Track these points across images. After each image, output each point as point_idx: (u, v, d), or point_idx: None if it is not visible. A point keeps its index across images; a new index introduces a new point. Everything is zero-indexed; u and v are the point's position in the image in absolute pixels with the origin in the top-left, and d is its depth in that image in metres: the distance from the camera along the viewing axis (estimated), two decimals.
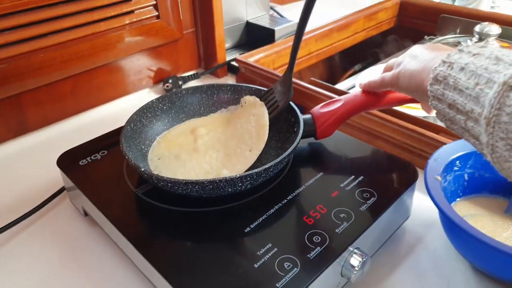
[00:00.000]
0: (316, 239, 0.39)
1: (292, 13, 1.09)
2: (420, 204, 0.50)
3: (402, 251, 0.47)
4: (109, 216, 0.44)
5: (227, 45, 0.94)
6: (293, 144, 0.45)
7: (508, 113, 0.28)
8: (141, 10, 0.73)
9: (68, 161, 0.52)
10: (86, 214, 0.51)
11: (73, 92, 0.71)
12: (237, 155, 0.49)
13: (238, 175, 0.41)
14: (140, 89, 0.81)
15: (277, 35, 0.92)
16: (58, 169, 0.51)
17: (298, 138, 0.46)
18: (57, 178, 0.54)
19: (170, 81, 0.81)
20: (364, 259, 0.39)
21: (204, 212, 0.43)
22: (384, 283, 0.43)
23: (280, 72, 0.89)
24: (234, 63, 0.86)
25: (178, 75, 0.84)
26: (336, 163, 0.50)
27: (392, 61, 0.47)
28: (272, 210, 0.43)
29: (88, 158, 0.52)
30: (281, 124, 0.53)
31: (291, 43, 0.88)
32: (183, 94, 0.57)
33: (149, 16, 0.74)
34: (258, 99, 0.54)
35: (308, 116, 0.51)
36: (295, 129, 0.49)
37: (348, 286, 0.41)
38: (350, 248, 0.39)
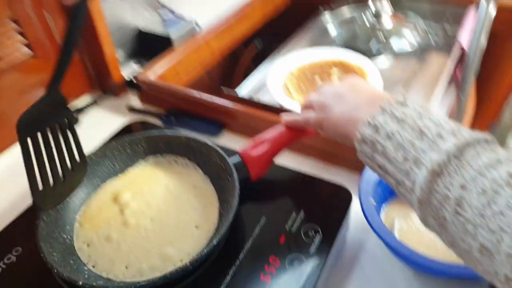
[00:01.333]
0: None
1: (183, 5, 1.01)
2: (354, 210, 0.52)
3: (348, 265, 0.50)
4: None
5: (121, 58, 0.85)
6: (233, 205, 0.44)
7: (437, 199, 0.30)
8: (11, 54, 0.61)
9: None
10: None
11: None
12: (180, 230, 0.45)
13: (189, 262, 0.39)
14: None
15: (174, 37, 0.85)
16: None
17: (237, 194, 0.45)
18: None
19: None
20: None
21: None
22: None
23: (188, 81, 0.84)
24: (131, 78, 0.79)
25: (73, 108, 0.75)
26: (274, 200, 0.50)
27: (314, 99, 0.46)
28: (228, 278, 0.42)
29: (1, 264, 0.45)
30: (211, 169, 0.51)
31: (193, 46, 0.84)
32: (91, 158, 0.50)
33: (23, 59, 0.63)
34: (195, 165, 0.52)
35: (238, 160, 0.49)
36: (228, 178, 0.48)
37: None
38: None
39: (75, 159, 0.45)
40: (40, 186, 0.40)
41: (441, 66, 0.88)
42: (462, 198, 0.28)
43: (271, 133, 0.51)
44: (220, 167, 0.50)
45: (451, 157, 0.29)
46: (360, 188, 0.48)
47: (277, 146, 0.49)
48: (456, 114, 0.83)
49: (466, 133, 0.31)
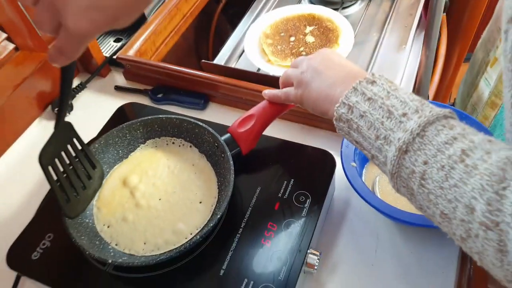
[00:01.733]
0: (279, 258, 0.47)
1: None
2: (338, 170, 0.57)
3: (337, 220, 0.57)
4: None
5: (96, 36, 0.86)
6: (230, 180, 0.50)
7: (406, 172, 0.35)
8: None
9: (19, 258, 0.50)
10: None
11: None
12: (187, 207, 0.51)
13: (199, 236, 0.45)
14: (29, 125, 0.73)
15: (146, 11, 0.86)
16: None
17: (232, 170, 0.50)
18: None
19: None
20: (319, 257, 0.48)
21: (179, 268, 0.48)
22: (333, 252, 0.54)
23: (167, 51, 0.86)
24: (113, 56, 0.81)
25: None
26: (266, 170, 0.56)
27: (293, 74, 0.49)
28: (234, 244, 0.49)
29: (38, 249, 0.51)
30: (205, 147, 0.56)
31: (165, 15, 0.84)
32: (97, 148, 0.55)
33: (5, 53, 0.64)
34: (190, 145, 0.57)
35: (229, 137, 0.54)
36: (222, 155, 0.53)
37: None
38: (308, 252, 0.48)
39: (91, 168, 0.51)
40: (66, 201, 0.47)
41: (413, 6, 0.91)
42: (425, 172, 0.34)
43: (256, 109, 0.55)
44: (213, 145, 0.55)
45: (415, 136, 0.35)
46: (342, 153, 0.54)
47: (263, 121, 0.54)
48: (425, 59, 0.86)
49: (428, 110, 0.36)
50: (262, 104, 0.55)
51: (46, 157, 0.44)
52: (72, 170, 0.48)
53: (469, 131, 0.35)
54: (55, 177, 0.45)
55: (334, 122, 0.42)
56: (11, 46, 0.66)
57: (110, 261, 0.45)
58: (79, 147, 0.49)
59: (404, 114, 0.36)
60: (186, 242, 0.47)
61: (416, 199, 0.36)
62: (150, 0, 0.36)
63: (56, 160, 0.45)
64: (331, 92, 0.43)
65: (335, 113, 0.41)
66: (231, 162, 0.51)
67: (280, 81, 0.53)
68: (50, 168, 0.44)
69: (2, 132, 0.69)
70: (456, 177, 0.32)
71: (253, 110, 0.55)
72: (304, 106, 0.48)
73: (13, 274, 0.53)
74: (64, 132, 0.47)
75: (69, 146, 0.47)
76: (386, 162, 0.37)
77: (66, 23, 0.32)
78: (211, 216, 0.51)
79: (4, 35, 0.64)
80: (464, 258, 0.54)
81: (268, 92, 0.54)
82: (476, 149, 0.32)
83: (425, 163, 0.34)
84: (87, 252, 0.45)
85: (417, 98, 0.38)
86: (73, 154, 0.48)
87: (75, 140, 0.48)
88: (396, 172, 0.36)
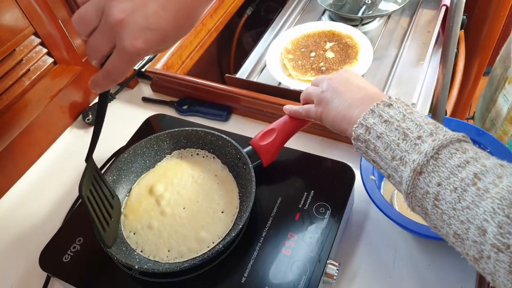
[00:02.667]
0: (298, 268, 0.48)
1: None
2: (358, 183, 0.58)
3: (355, 232, 0.58)
4: None
5: None
6: (251, 191, 0.52)
7: (420, 193, 0.36)
8: (35, 65, 0.67)
9: (51, 260, 0.53)
10: None
11: None
12: (210, 216, 0.53)
13: (221, 245, 0.47)
14: (61, 133, 0.77)
15: None
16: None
17: (253, 181, 0.52)
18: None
19: (90, 114, 0.78)
20: (338, 267, 0.49)
21: (202, 274, 0.50)
22: (352, 262, 0.55)
23: (192, 64, 0.90)
24: (141, 69, 0.85)
25: (94, 103, 0.81)
26: (287, 182, 0.57)
27: (314, 92, 0.51)
28: (255, 253, 0.50)
29: (69, 252, 0.53)
30: (228, 159, 0.58)
31: (192, 31, 0.88)
32: (126, 158, 0.58)
33: (45, 67, 0.69)
34: (213, 156, 0.59)
35: (251, 150, 0.56)
36: (244, 166, 0.55)
37: None
38: (328, 262, 0.49)
39: (111, 198, 0.53)
40: (103, 230, 0.49)
41: (430, 24, 0.92)
42: (439, 193, 0.35)
43: (277, 123, 0.57)
44: (235, 157, 0.57)
45: (429, 158, 0.36)
46: (361, 166, 0.55)
47: (284, 135, 0.56)
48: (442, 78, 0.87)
49: (442, 134, 0.37)
50: (283, 119, 0.57)
51: (84, 189, 0.46)
52: (101, 201, 0.50)
53: (482, 155, 0.36)
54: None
55: (352, 142, 0.43)
56: (50, 60, 0.70)
57: (136, 267, 0.47)
58: (99, 178, 0.51)
59: (419, 137, 0.37)
60: (209, 250, 0.49)
61: (431, 218, 0.37)
62: (192, 26, 0.39)
63: (89, 192, 0.48)
64: (349, 113, 0.45)
65: (353, 133, 0.42)
66: (253, 174, 0.53)
67: (301, 97, 0.55)
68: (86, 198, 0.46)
69: (37, 139, 0.73)
70: (469, 199, 0.33)
71: (274, 124, 0.57)
72: (323, 123, 0.50)
73: (42, 276, 0.56)
74: (91, 165, 0.49)
75: (94, 179, 0.50)
76: (402, 182, 0.38)
77: (122, 43, 0.36)
78: (233, 226, 0.53)
79: (45, 50, 0.68)
80: None
81: (289, 107, 0.56)
82: (488, 173, 0.33)
83: (439, 184, 0.35)
84: (115, 258, 0.48)
85: (432, 121, 0.39)
86: (98, 186, 0.50)
87: (96, 172, 0.50)
88: (411, 192, 0.37)
